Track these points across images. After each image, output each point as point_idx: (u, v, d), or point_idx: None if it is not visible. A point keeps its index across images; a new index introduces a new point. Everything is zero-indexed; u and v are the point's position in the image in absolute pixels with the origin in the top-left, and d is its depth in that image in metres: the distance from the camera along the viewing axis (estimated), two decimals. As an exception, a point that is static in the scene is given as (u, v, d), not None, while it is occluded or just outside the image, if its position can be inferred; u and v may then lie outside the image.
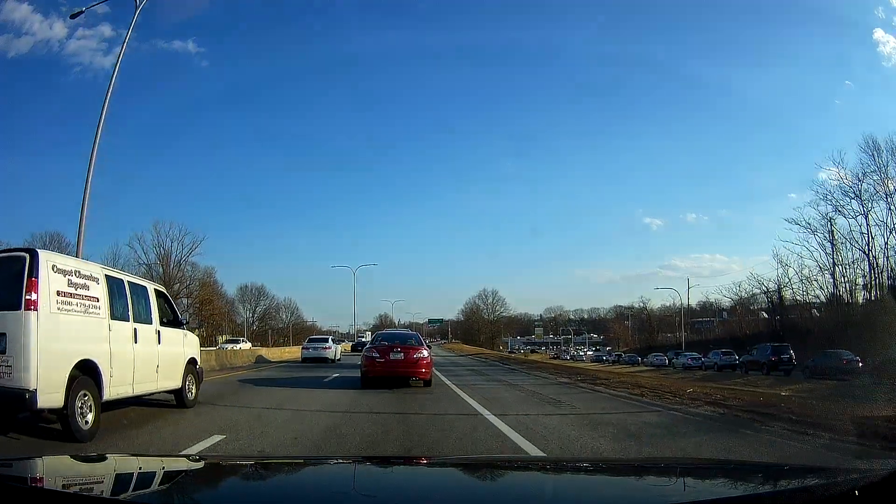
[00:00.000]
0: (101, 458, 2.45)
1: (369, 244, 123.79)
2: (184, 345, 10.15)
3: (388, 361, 13.90)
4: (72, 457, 2.31)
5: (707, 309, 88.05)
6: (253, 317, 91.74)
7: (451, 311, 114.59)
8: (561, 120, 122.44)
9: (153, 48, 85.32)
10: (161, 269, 63.82)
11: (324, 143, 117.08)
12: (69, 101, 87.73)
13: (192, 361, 10.30)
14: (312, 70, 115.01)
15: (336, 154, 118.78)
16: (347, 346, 62.62)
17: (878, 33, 78.19)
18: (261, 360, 29.40)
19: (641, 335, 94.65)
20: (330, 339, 32.18)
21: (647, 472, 2.48)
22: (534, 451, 6.64)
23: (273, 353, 34.92)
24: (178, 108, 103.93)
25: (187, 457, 3.70)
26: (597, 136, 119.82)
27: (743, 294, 63.61)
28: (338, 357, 30.84)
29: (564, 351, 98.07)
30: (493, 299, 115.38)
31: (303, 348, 30.94)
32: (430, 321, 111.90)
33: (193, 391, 10.27)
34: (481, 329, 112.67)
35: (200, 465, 2.71)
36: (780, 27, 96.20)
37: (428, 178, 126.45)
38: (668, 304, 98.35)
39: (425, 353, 14.45)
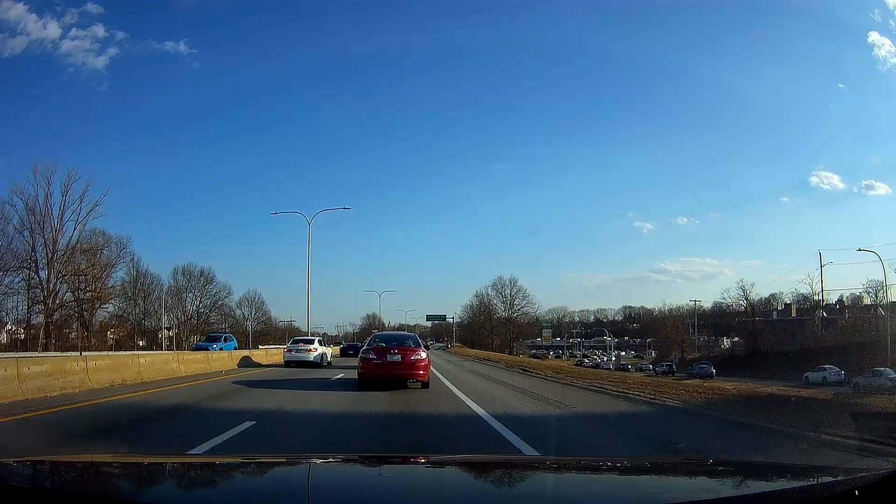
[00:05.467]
0: (101, 459, 2.47)
1: (362, 243, 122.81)
2: None
3: (385, 363, 13.74)
4: (72, 457, 2.32)
5: (719, 310, 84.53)
6: (198, 308, 73.48)
7: (447, 312, 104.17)
8: (555, 122, 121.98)
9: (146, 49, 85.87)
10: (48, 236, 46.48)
11: (316, 143, 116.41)
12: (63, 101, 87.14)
13: None
14: (307, 71, 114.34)
15: (329, 154, 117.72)
16: (335, 349, 57.96)
17: (874, 36, 77.54)
18: (249, 362, 26.07)
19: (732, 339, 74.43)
20: (316, 340, 28.37)
21: (647, 472, 2.47)
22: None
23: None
24: (175, 108, 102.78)
25: (188, 457, 3.72)
26: (590, 138, 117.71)
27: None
28: (327, 360, 27.57)
29: (585, 356, 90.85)
30: (512, 290, 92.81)
31: (286, 350, 27.68)
32: (428, 317, 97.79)
33: None
34: (494, 329, 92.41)
35: (201, 464, 2.72)
36: (774, 30, 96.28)
37: (422, 178, 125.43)
38: (676, 305, 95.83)
39: (423, 354, 14.24)
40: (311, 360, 25.59)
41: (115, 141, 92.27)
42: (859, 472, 1.86)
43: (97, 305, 54.22)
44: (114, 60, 78.43)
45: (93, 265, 51.24)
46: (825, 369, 39.89)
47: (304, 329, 39.45)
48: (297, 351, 26.21)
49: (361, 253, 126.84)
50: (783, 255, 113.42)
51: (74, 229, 49.39)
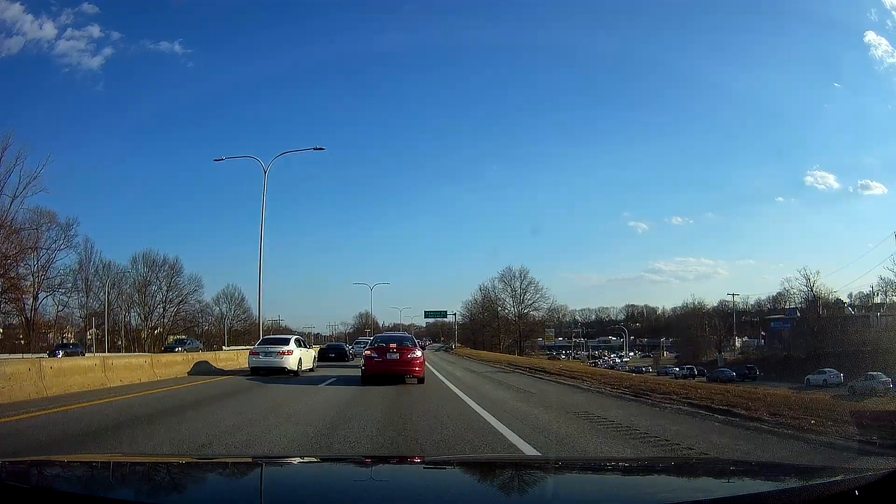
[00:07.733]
0: (101, 458, 2.48)
1: (360, 242, 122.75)
2: None
3: (385, 361, 15.10)
4: (72, 457, 2.33)
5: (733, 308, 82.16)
6: (164, 302, 64.63)
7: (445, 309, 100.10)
8: (552, 121, 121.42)
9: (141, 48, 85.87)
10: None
11: (315, 142, 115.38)
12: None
13: None
14: (307, 71, 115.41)
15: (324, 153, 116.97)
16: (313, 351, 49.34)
17: (870, 36, 77.28)
18: (206, 368, 20.25)
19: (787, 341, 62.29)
20: (293, 340, 21.15)
21: (648, 472, 2.47)
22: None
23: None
24: (172, 108, 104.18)
25: (187, 457, 3.73)
26: (587, 138, 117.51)
27: None
28: (304, 366, 20.80)
29: (598, 357, 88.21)
30: (523, 283, 79.82)
31: (251, 354, 20.64)
32: (426, 314, 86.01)
33: None
34: (501, 328, 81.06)
35: (200, 464, 2.73)
36: (770, 29, 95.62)
37: (420, 178, 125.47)
38: (685, 303, 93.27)
39: (419, 353, 15.70)
40: (286, 366, 19.26)
41: (112, 140, 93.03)
42: (859, 472, 1.85)
43: (36, 296, 47.22)
44: (109, 60, 79.37)
45: (17, 246, 43.18)
46: (825, 372, 41.32)
47: (267, 317, 32.19)
48: (266, 354, 19.60)
49: (360, 253, 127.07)
50: (779, 255, 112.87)
51: (10, 205, 42.74)
